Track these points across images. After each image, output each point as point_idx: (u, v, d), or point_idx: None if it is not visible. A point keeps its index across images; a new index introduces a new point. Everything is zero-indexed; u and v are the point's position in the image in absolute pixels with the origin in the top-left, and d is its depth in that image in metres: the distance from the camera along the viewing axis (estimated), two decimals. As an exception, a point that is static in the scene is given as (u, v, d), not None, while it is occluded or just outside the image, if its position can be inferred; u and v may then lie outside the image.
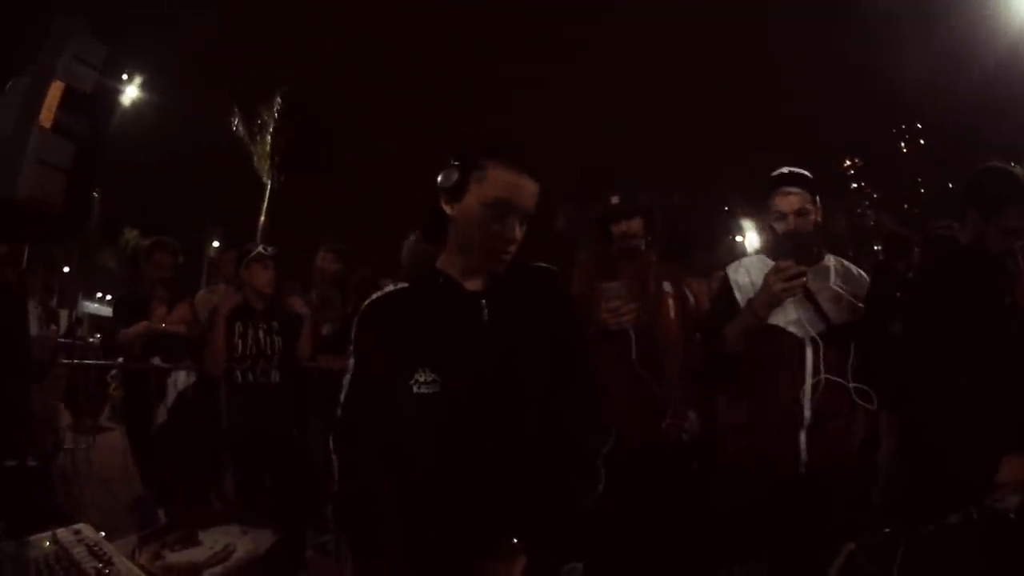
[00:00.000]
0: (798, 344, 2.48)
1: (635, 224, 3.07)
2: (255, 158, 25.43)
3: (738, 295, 2.62)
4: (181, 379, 4.16)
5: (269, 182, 25.55)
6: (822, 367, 2.45)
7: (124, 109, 18.79)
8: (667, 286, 3.13)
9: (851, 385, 2.46)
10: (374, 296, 1.72)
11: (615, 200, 3.13)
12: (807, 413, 2.43)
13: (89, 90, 2.81)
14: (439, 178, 1.64)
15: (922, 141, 66.59)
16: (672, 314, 3.09)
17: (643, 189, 3.22)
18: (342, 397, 1.65)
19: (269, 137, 25.25)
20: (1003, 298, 2.51)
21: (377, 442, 1.58)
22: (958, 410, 2.39)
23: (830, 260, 2.64)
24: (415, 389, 1.56)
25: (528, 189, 1.60)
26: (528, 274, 1.76)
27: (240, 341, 4.04)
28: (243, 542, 2.21)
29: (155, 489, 4.11)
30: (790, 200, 2.54)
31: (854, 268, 2.67)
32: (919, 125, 65.54)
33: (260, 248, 4.19)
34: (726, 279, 2.72)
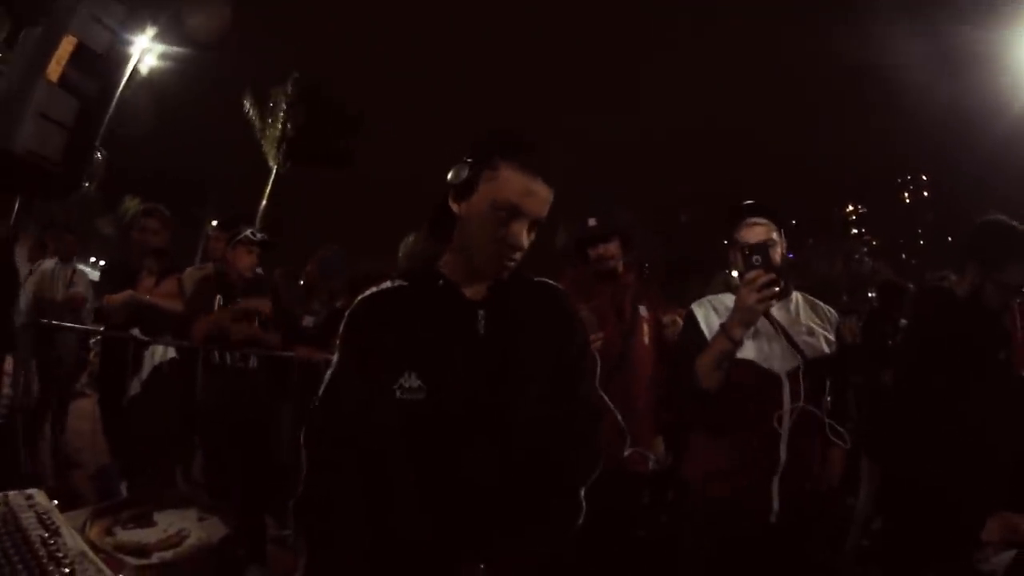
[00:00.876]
0: (774, 379, 2.39)
1: (612, 247, 3.04)
2: (264, 141, 25.39)
3: (704, 328, 2.49)
4: (159, 353, 4.07)
5: (275, 166, 25.51)
6: (800, 402, 2.35)
7: (140, 76, 18.77)
8: (643, 310, 3.12)
9: (827, 421, 2.39)
10: (368, 292, 1.64)
11: (592, 222, 3.07)
12: (782, 455, 2.34)
13: (102, 51, 2.75)
14: (450, 174, 1.57)
15: (925, 193, 67.23)
16: (646, 339, 3.07)
17: (621, 209, 3.17)
18: (321, 391, 1.58)
19: (279, 122, 25.21)
20: (998, 354, 2.52)
21: (351, 444, 1.52)
22: (944, 463, 2.37)
23: (795, 295, 2.57)
24: (398, 394, 1.48)
25: (540, 195, 1.52)
26: (532, 288, 1.69)
27: (219, 313, 4.01)
28: (198, 529, 2.16)
29: (121, 462, 4.05)
30: (756, 231, 2.45)
31: (820, 303, 2.61)
32: (924, 177, 66.20)
33: (248, 232, 4.16)
34: (691, 314, 2.57)
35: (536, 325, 1.62)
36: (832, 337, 2.49)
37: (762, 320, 2.40)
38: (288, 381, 4.30)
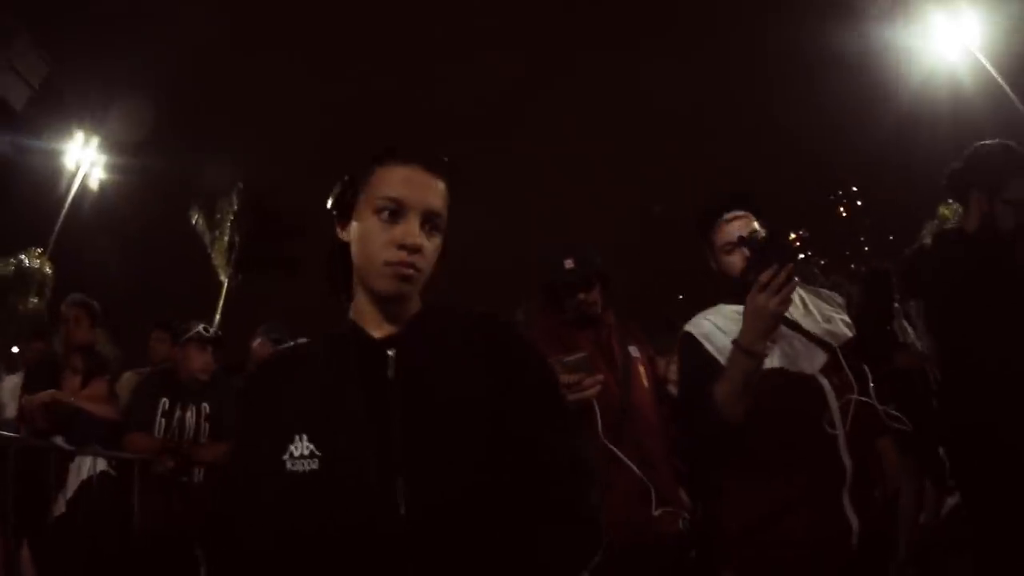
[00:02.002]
0: (810, 382, 2.01)
1: (594, 293, 2.69)
2: (213, 253, 24.99)
3: (709, 347, 2.10)
4: (86, 466, 3.54)
5: (226, 279, 25.01)
6: (849, 395, 1.99)
7: (91, 191, 18.45)
8: (634, 351, 2.75)
9: (881, 408, 2.05)
10: (271, 353, 1.44)
11: (569, 264, 2.69)
12: (847, 462, 1.94)
13: (18, 108, 2.52)
14: (329, 201, 1.37)
15: (859, 202, 69.47)
16: (645, 382, 2.69)
17: (593, 250, 2.81)
18: (217, 485, 1.37)
19: (226, 233, 24.94)
20: (1021, 292, 2.39)
21: (253, 540, 1.21)
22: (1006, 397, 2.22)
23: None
24: (288, 465, 1.19)
25: (427, 183, 1.30)
26: (463, 320, 1.39)
27: (164, 420, 3.52)
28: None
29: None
30: (739, 224, 2.16)
31: (819, 289, 2.33)
32: (854, 188, 68.72)
33: (200, 328, 3.77)
34: (689, 337, 2.18)
35: (469, 363, 1.30)
36: (848, 319, 2.19)
37: None
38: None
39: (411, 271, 1.26)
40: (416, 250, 1.25)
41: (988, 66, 14.11)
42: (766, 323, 1.84)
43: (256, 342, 4.72)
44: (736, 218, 2.18)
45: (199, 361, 3.76)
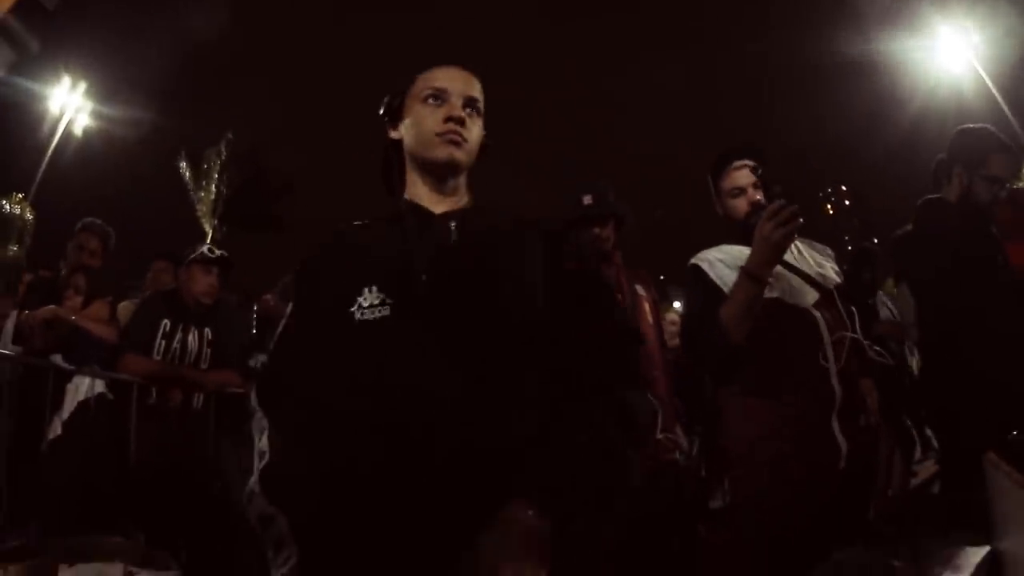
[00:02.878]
0: (805, 314, 2.22)
1: (608, 229, 2.98)
2: (199, 205, 24.65)
3: (714, 276, 2.30)
4: (84, 387, 3.40)
5: (210, 232, 24.70)
6: (842, 331, 2.21)
7: (75, 138, 18.06)
8: (640, 289, 3.01)
9: (867, 343, 2.26)
10: (334, 230, 1.48)
11: (587, 200, 2.96)
12: (837, 390, 2.13)
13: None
14: (381, 108, 1.52)
15: (847, 202, 70.05)
16: (650, 319, 2.96)
17: (613, 191, 3.08)
18: (272, 344, 1.38)
19: (213, 186, 24.59)
20: (996, 255, 2.67)
21: (309, 403, 1.24)
22: (982, 360, 2.42)
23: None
24: (357, 315, 1.24)
25: (464, 77, 1.47)
26: (513, 215, 1.50)
27: (164, 342, 3.39)
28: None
29: (37, 519, 3.34)
30: (746, 173, 2.36)
31: (813, 241, 2.51)
32: (843, 187, 69.38)
33: (204, 249, 3.64)
34: (696, 269, 2.37)
35: (524, 247, 1.40)
36: (838, 268, 2.42)
37: None
38: (238, 422, 3.71)
39: (459, 137, 1.39)
40: (461, 122, 1.40)
41: (988, 81, 14.25)
42: (772, 250, 2.05)
43: (267, 296, 4.76)
44: (744, 166, 2.37)
45: (203, 283, 3.62)
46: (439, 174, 1.43)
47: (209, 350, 3.62)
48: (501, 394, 1.19)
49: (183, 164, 24.33)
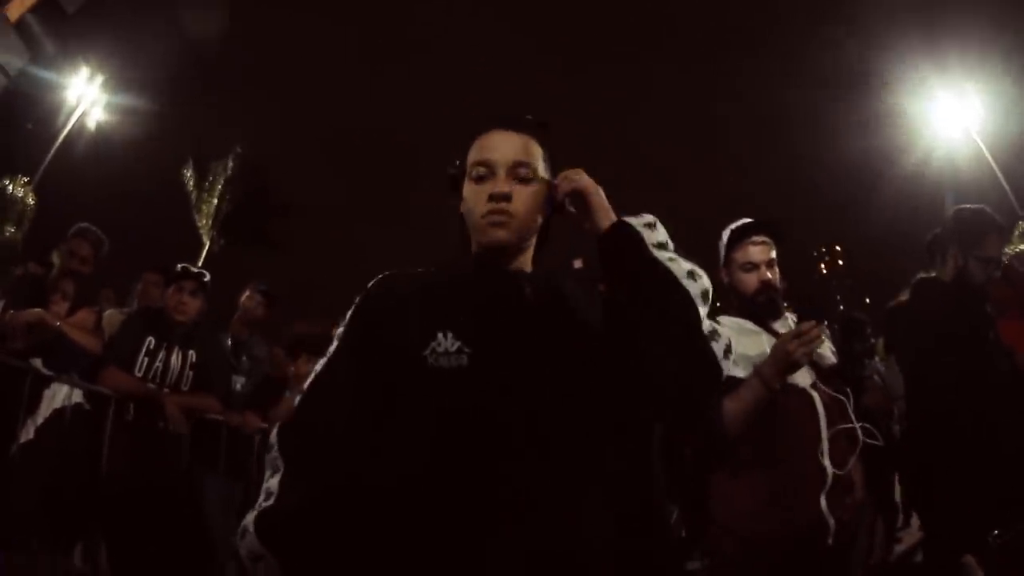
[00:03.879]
0: (805, 395, 2.26)
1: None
2: (200, 216, 24.58)
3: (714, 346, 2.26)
4: (62, 395, 3.32)
5: (208, 243, 24.59)
6: (831, 417, 2.26)
7: (87, 130, 18.06)
8: None
9: (859, 425, 2.27)
10: (390, 272, 1.41)
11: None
12: (828, 471, 2.17)
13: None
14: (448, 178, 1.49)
15: (840, 262, 70.42)
16: None
17: None
18: (306, 384, 1.30)
19: (215, 197, 24.54)
20: (987, 334, 2.76)
21: (342, 453, 1.18)
22: (976, 428, 2.51)
23: (787, 313, 2.53)
24: (430, 360, 1.18)
25: (507, 140, 1.40)
26: (578, 274, 1.58)
27: (147, 359, 3.33)
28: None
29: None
30: (762, 249, 2.41)
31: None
32: (838, 247, 69.80)
33: (195, 271, 3.61)
34: None
35: (589, 303, 1.38)
36: (833, 348, 2.48)
37: (767, 338, 2.35)
38: (215, 449, 3.64)
39: (502, 217, 1.33)
40: (504, 198, 1.33)
41: (984, 150, 14.47)
42: (790, 366, 2.12)
43: (245, 295, 4.62)
44: (762, 242, 2.41)
45: (192, 305, 3.59)
46: (495, 255, 1.38)
47: (191, 372, 3.56)
48: (576, 485, 1.16)
49: (188, 172, 24.49)
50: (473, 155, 1.40)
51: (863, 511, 2.34)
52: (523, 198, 1.36)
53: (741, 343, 2.30)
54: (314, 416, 1.24)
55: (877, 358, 5.39)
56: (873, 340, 6.00)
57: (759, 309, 2.41)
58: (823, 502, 2.15)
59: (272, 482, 1.18)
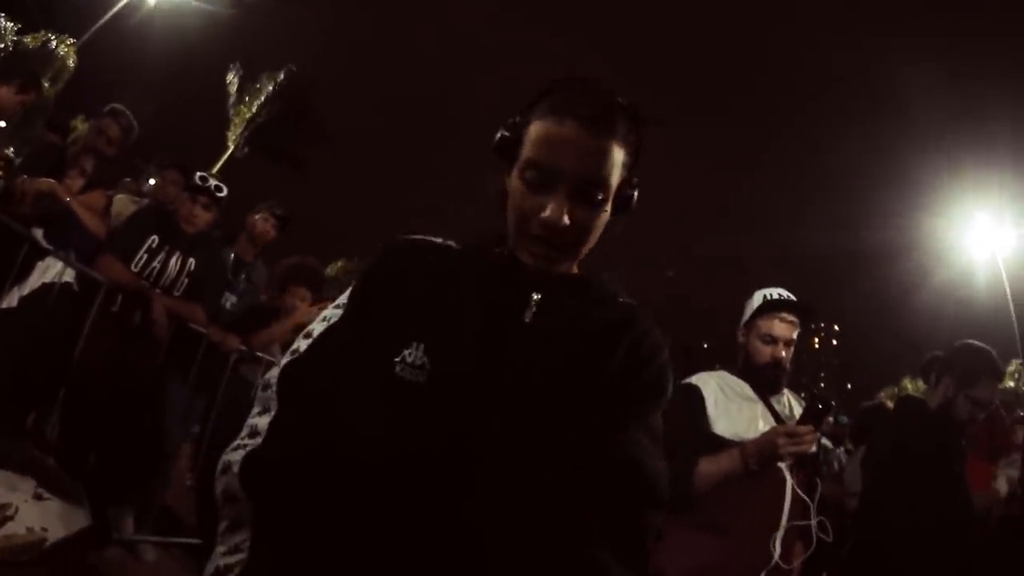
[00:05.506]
0: (780, 479, 2.28)
1: None
2: (233, 119, 24.40)
3: (711, 409, 2.38)
4: (54, 271, 3.28)
5: (232, 147, 24.45)
6: (795, 504, 2.29)
7: (145, 5, 17.90)
8: None
9: (815, 520, 2.29)
10: (408, 238, 1.23)
11: None
12: (776, 552, 2.21)
13: None
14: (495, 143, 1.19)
15: (835, 342, 70.73)
16: None
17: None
18: (317, 332, 1.18)
19: (254, 106, 24.34)
20: (953, 467, 2.82)
21: (336, 419, 1.08)
22: (910, 559, 2.58)
23: (785, 391, 2.55)
24: (397, 369, 1.07)
25: (585, 146, 1.07)
26: (610, 299, 1.23)
27: (146, 256, 3.33)
28: (27, 510, 1.47)
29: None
30: (787, 328, 2.45)
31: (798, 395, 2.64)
32: (836, 327, 70.26)
33: (214, 183, 3.58)
34: (696, 391, 2.42)
35: (601, 342, 1.15)
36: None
37: (763, 409, 2.41)
38: (190, 359, 3.64)
39: (549, 251, 1.11)
40: (558, 233, 1.08)
41: (1004, 280, 14.40)
42: (772, 457, 2.18)
43: (258, 215, 4.50)
44: (790, 321, 2.45)
45: (203, 217, 3.58)
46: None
47: (187, 280, 3.56)
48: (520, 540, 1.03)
49: (232, 74, 24.38)
50: (534, 148, 1.09)
51: None
52: (584, 225, 1.10)
53: (735, 406, 2.40)
54: (321, 366, 1.14)
55: (842, 448, 5.42)
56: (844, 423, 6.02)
57: (762, 381, 2.45)
58: None
59: (261, 421, 1.11)
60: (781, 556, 2.22)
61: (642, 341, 1.18)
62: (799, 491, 2.30)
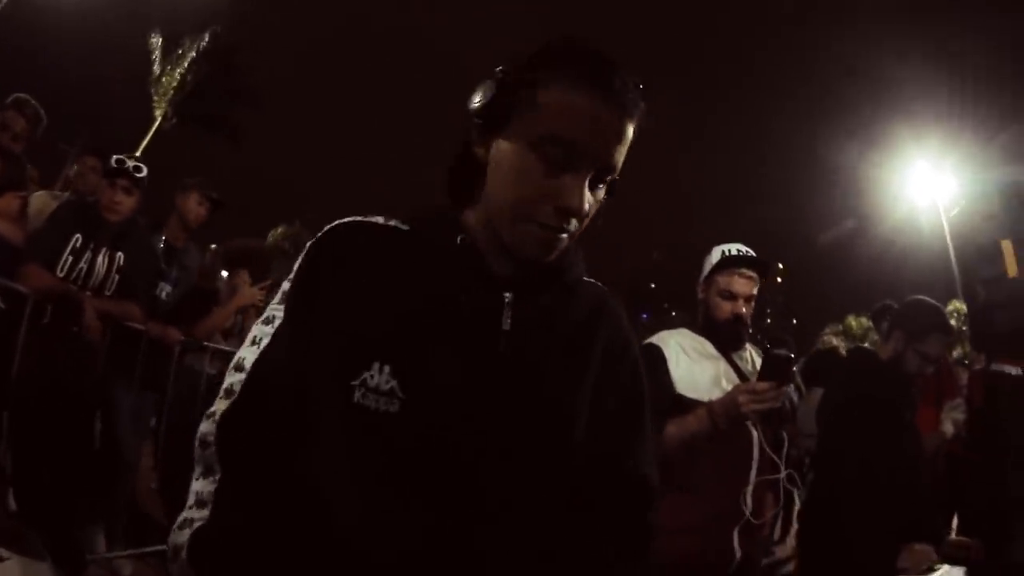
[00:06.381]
0: (747, 435, 2.32)
1: None
2: (157, 88, 23.37)
3: (673, 370, 2.36)
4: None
5: (159, 119, 23.48)
6: (763, 458, 2.34)
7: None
8: None
9: (783, 473, 2.34)
10: (348, 221, 1.06)
11: None
12: (748, 507, 2.26)
13: None
14: (472, 99, 1.01)
15: (779, 280, 73.12)
16: None
17: None
18: (249, 362, 1.01)
19: (179, 72, 23.32)
20: (905, 415, 2.95)
21: (289, 454, 0.95)
22: (860, 504, 2.67)
23: (748, 346, 2.59)
24: (357, 396, 0.93)
25: (615, 128, 0.97)
26: (586, 288, 1.14)
27: (71, 258, 3.17)
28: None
29: None
30: (746, 283, 2.44)
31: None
32: (780, 265, 72.19)
33: (132, 164, 3.39)
34: (657, 352, 2.38)
35: (579, 343, 1.08)
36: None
37: (725, 366, 2.42)
38: (132, 358, 3.53)
39: (559, 241, 1.00)
40: (576, 215, 0.98)
41: (945, 225, 14.84)
42: (738, 415, 2.13)
43: (191, 197, 4.08)
44: (749, 277, 2.43)
45: (126, 203, 3.40)
46: (514, 258, 1.03)
47: (117, 276, 3.41)
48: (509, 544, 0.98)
49: (154, 40, 23.12)
50: (557, 120, 0.95)
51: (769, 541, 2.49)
52: (589, 212, 1.01)
53: (697, 366, 2.40)
54: (263, 409, 0.99)
55: (793, 387, 5.57)
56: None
57: (723, 337, 2.46)
58: (735, 537, 2.26)
59: (205, 487, 0.99)
60: (752, 512, 2.26)
61: (615, 337, 1.14)
62: (767, 447, 2.33)
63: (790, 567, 3.66)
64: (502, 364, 1.00)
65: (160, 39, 22.91)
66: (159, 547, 3.63)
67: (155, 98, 23.26)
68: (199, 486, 1.00)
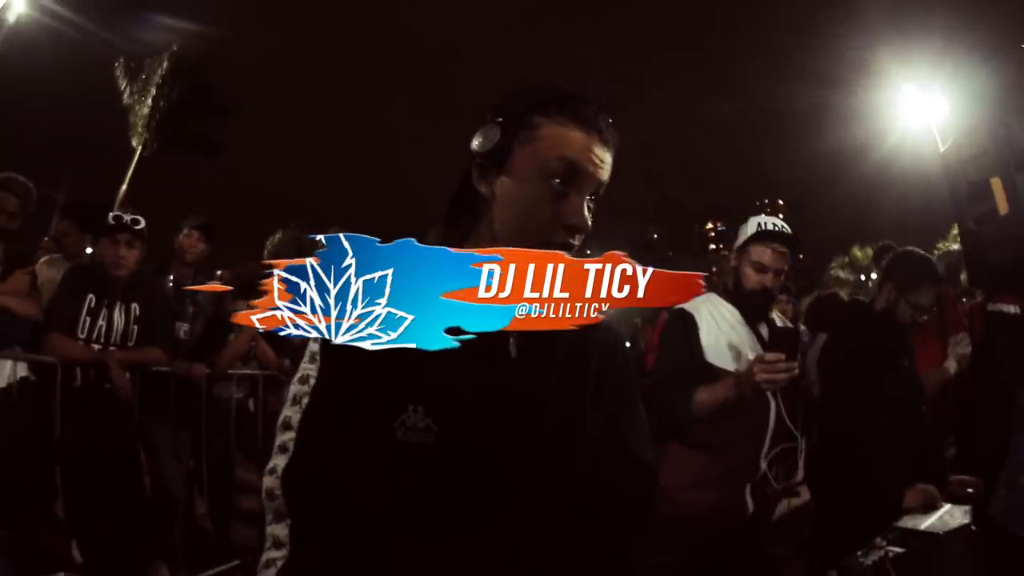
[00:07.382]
0: (765, 405, 2.45)
1: None
2: (131, 118, 23.25)
3: (704, 336, 2.50)
4: (5, 372, 3.24)
5: (140, 148, 23.40)
6: (781, 423, 2.47)
7: (5, 24, 16.69)
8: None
9: (802, 443, 2.53)
10: None
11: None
12: (762, 468, 2.43)
13: None
14: (474, 141, 1.16)
15: (780, 216, 72.69)
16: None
17: None
18: (295, 420, 1.19)
19: (150, 99, 23.17)
20: (903, 360, 3.02)
21: (350, 497, 1.08)
22: (865, 449, 2.73)
23: (774, 314, 2.71)
24: (399, 435, 1.07)
25: (604, 156, 1.15)
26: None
27: (88, 319, 3.32)
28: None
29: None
30: (778, 258, 2.53)
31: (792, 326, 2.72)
32: (780, 201, 71.47)
33: (128, 219, 3.50)
34: (691, 320, 2.53)
35: (577, 350, 1.21)
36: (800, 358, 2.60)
37: (748, 333, 2.54)
38: (164, 400, 3.69)
39: (573, 247, 1.14)
40: (582, 231, 1.13)
41: (939, 142, 14.73)
42: (754, 389, 2.26)
43: (182, 234, 4.29)
44: (781, 252, 2.53)
45: (130, 257, 3.51)
46: None
47: (136, 327, 3.54)
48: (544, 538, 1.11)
49: (119, 72, 22.94)
50: (560, 150, 1.12)
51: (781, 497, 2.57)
52: (589, 228, 1.16)
53: (724, 336, 2.52)
54: (313, 461, 1.11)
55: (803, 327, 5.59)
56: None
57: (751, 308, 2.57)
58: (747, 492, 2.43)
59: (279, 531, 1.14)
60: (765, 472, 2.43)
61: (605, 340, 1.27)
62: (784, 416, 2.46)
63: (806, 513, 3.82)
64: (513, 396, 1.14)
65: (122, 71, 22.70)
66: (222, 567, 3.77)
67: (131, 130, 23.14)
68: (274, 530, 1.16)
